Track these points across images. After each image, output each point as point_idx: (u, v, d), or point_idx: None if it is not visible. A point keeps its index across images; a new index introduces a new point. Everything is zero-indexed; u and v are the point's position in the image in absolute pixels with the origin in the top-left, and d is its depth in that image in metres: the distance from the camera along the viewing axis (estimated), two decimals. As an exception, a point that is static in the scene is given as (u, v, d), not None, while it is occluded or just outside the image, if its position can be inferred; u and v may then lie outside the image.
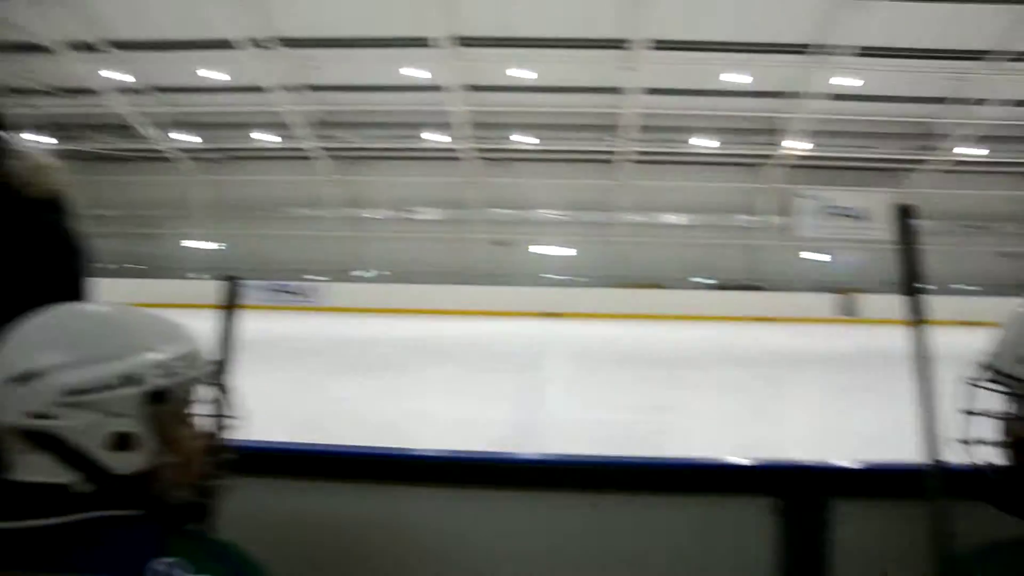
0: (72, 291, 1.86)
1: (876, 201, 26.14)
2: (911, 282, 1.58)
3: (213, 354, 1.27)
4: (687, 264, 28.28)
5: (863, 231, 26.58)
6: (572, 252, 29.43)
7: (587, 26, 21.72)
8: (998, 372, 1.32)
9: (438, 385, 11.55)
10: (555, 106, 25.86)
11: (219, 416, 1.24)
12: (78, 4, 22.02)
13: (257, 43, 22.93)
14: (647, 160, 27.32)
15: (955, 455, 1.46)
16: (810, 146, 26.12)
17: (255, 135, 28.03)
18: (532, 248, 29.60)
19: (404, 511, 1.88)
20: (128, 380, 1.04)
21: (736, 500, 1.86)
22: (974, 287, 26.15)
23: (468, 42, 22.50)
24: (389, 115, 26.85)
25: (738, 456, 1.97)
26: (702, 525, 1.85)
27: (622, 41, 21.93)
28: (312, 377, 12.09)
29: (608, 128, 26.20)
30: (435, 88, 24.57)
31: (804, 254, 28.65)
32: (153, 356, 1.07)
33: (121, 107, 26.23)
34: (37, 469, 1.00)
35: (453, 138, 27.01)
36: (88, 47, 23.57)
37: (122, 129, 27.53)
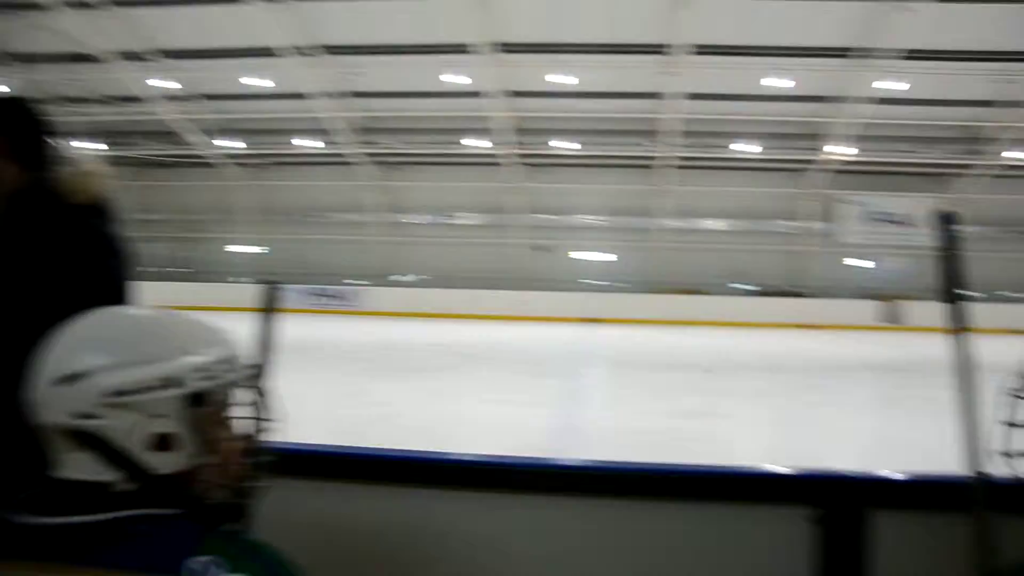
0: (116, 295, 1.90)
1: (921, 206, 25.70)
2: (952, 289, 1.56)
3: (252, 358, 1.29)
4: (728, 270, 28.01)
5: (907, 237, 26.17)
6: (612, 257, 29.33)
7: (628, 31, 21.65)
8: None
9: (476, 390, 11.57)
10: (596, 111, 25.80)
11: (257, 419, 1.26)
12: (128, 15, 22.48)
13: (301, 51, 23.22)
14: (688, 165, 27.15)
15: (999, 467, 1.43)
16: (854, 151, 25.74)
17: (298, 141, 28.38)
18: (572, 254, 29.54)
19: (440, 514, 1.88)
20: (169, 382, 1.06)
21: (773, 509, 1.84)
22: (1022, 295, 25.58)
23: (509, 48, 22.56)
24: (430, 121, 26.97)
25: (776, 464, 1.95)
26: (738, 534, 1.84)
27: (663, 46, 21.82)
28: (351, 380, 12.18)
29: (649, 133, 26.08)
30: (476, 94, 24.66)
31: (847, 260, 28.23)
32: (193, 359, 1.09)
33: (168, 114, 26.73)
34: (81, 467, 1.03)
35: (494, 143, 27.08)
36: (137, 56, 24.06)
37: (169, 135, 28.05)
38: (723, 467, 2.03)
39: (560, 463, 2.00)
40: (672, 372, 14.29)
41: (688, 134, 25.51)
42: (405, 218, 30.34)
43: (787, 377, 14.16)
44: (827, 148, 25.74)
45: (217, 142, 28.55)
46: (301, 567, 1.06)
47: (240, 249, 31.08)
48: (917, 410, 9.55)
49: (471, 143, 27.45)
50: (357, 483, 1.89)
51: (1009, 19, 20.13)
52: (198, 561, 0.95)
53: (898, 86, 22.83)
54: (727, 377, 13.91)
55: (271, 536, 1.12)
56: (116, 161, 28.48)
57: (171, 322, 1.15)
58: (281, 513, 1.37)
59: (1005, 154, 25.16)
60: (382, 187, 29.93)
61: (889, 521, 1.79)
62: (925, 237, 24.70)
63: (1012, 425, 1.34)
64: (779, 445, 7.84)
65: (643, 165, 27.68)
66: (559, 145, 27.18)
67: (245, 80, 25.23)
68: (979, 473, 1.51)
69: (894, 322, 24.48)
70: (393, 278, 29.33)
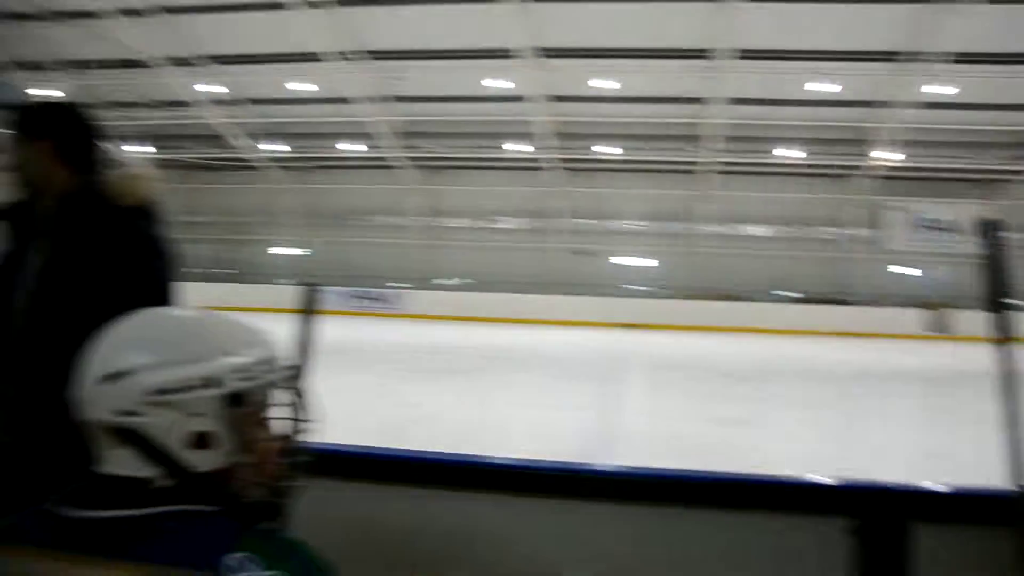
0: (161, 295, 1.95)
1: (969, 213, 25.22)
2: (997, 298, 1.53)
3: (291, 359, 1.31)
4: (770, 277, 27.70)
5: (955, 244, 25.70)
6: (653, 263, 29.18)
7: (670, 36, 21.54)
8: None
9: (515, 394, 11.58)
10: (638, 116, 25.69)
11: (294, 419, 1.28)
12: (177, 22, 22.91)
13: (345, 56, 23.46)
14: (731, 171, 26.95)
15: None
16: (900, 156, 25.34)
17: (341, 145, 28.67)
18: (613, 259, 29.44)
19: (471, 517, 1.89)
20: (208, 382, 1.08)
21: (810, 519, 1.81)
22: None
23: (551, 53, 22.57)
24: (472, 125, 27.08)
25: (816, 474, 1.92)
26: (773, 543, 1.81)
27: (706, 51, 21.68)
28: (391, 382, 12.24)
29: (691, 138, 25.93)
30: (518, 98, 24.71)
31: (892, 268, 27.75)
32: (233, 360, 1.11)
33: (215, 118, 27.20)
34: (123, 463, 1.05)
35: (535, 148, 27.12)
36: (185, 62, 24.51)
37: (215, 139, 28.54)
38: (759, 475, 2.01)
39: (594, 468, 2.00)
40: (711, 379, 14.17)
41: (731, 139, 25.33)
42: (446, 222, 30.50)
43: (829, 386, 13.96)
44: (873, 153, 25.38)
45: (262, 146, 28.98)
46: (335, 565, 1.08)
47: (283, 251, 31.46)
48: (962, 421, 9.36)
49: (513, 147, 27.51)
50: (391, 484, 1.91)
51: (1062, 21, 19.69)
52: (234, 558, 0.96)
53: (946, 90, 22.42)
54: (768, 385, 13.76)
55: (306, 535, 1.13)
56: (164, 164, 29.09)
57: (212, 323, 1.17)
58: (316, 512, 1.39)
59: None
60: (424, 191, 30.13)
61: (930, 534, 1.75)
62: (973, 245, 24.23)
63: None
64: (818, 454, 7.73)
65: (685, 170, 27.52)
66: (601, 150, 27.12)
67: (290, 85, 25.55)
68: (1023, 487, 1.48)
69: (940, 331, 23.99)
70: (435, 281, 29.45)
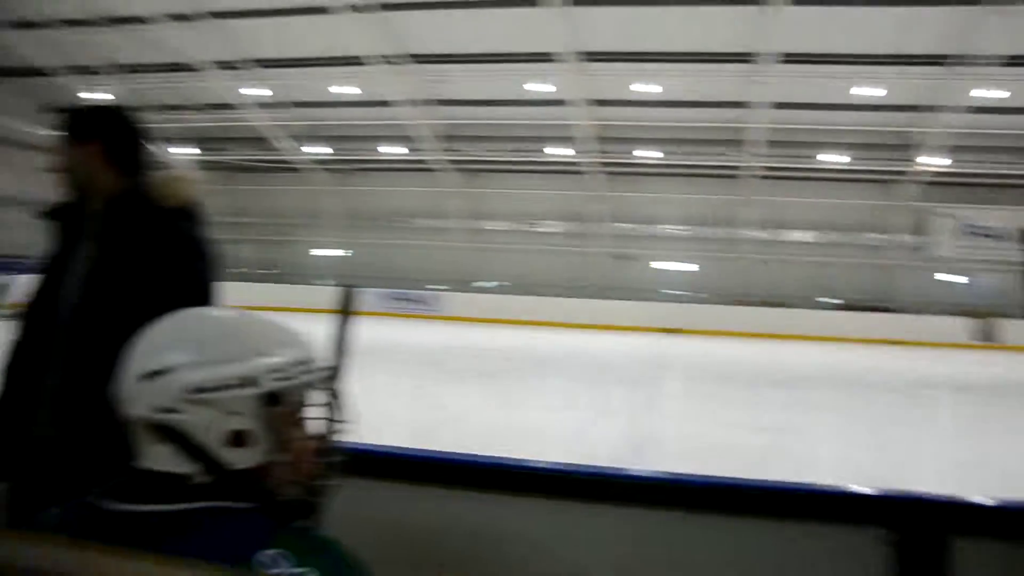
0: (201, 295, 1.99)
1: (1018, 221, 24.69)
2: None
3: (328, 360, 1.33)
4: (813, 283, 27.35)
5: (1003, 252, 25.16)
6: (694, 268, 28.99)
7: (713, 40, 21.37)
8: None
9: (553, 397, 11.57)
10: (680, 120, 25.54)
11: (330, 420, 1.29)
12: (224, 26, 23.24)
13: (387, 59, 23.64)
14: (773, 176, 26.66)
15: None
16: (948, 162, 24.88)
17: (382, 147, 28.90)
18: (653, 264, 29.30)
19: (504, 520, 1.89)
20: (246, 382, 1.10)
21: (848, 530, 1.78)
22: None
23: (593, 57, 22.53)
24: (513, 128, 27.13)
25: (854, 483, 1.90)
26: (809, 554, 1.79)
27: (749, 55, 21.47)
28: (427, 384, 12.30)
29: (734, 143, 25.71)
30: (559, 102, 24.71)
31: (939, 275, 27.25)
32: (270, 360, 1.13)
33: (259, 120, 27.59)
34: (162, 459, 1.08)
35: (576, 151, 27.09)
36: (231, 65, 24.89)
37: (259, 141, 28.94)
38: (796, 483, 1.99)
39: (624, 473, 2.00)
40: (750, 385, 14.05)
41: (774, 144, 25.07)
42: (486, 225, 30.58)
43: (872, 394, 13.76)
44: (920, 159, 24.94)
45: (305, 148, 29.32)
46: (366, 563, 1.09)
47: (324, 253, 31.77)
48: (1009, 432, 9.17)
49: (553, 151, 27.51)
50: (423, 485, 1.92)
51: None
52: (267, 554, 0.99)
53: (996, 94, 21.95)
54: (809, 392, 13.60)
55: (339, 533, 1.15)
56: (208, 166, 29.67)
57: (251, 324, 1.19)
58: (349, 511, 1.40)
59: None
60: (464, 194, 30.24)
61: (971, 549, 1.71)
62: (1021, 252, 23.77)
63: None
64: (858, 464, 7.62)
65: (727, 175, 27.30)
66: (642, 154, 27.01)
67: (333, 88, 25.81)
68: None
69: (988, 340, 23.51)
70: (474, 284, 29.53)
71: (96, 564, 0.60)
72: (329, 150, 29.44)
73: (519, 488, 1.91)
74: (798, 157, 25.77)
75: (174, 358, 1.10)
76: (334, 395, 1.31)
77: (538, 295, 27.06)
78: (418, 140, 27.60)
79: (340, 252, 31.53)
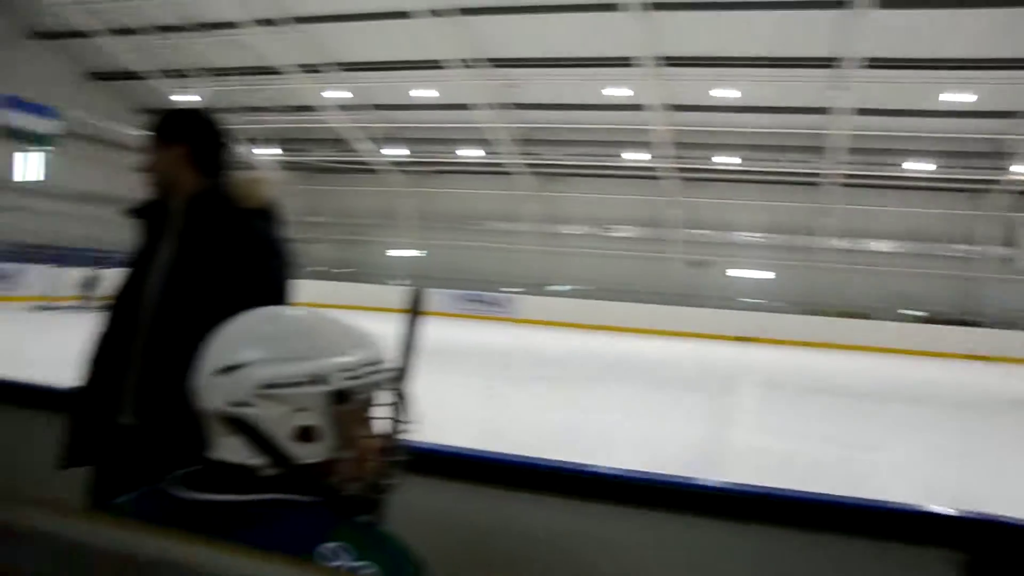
0: (276, 293, 2.05)
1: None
2: None
3: (396, 360, 1.36)
4: (894, 294, 26.58)
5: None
6: (770, 276, 28.49)
7: (796, 44, 20.96)
8: None
9: (623, 402, 11.48)
10: (759, 126, 25.16)
11: (395, 420, 1.33)
12: (308, 30, 23.77)
13: (466, 63, 23.85)
14: (855, 183, 26.04)
15: None
16: (1043, 171, 23.93)
17: (460, 150, 29.16)
18: (729, 271, 28.89)
19: (570, 525, 1.89)
20: (316, 379, 1.14)
21: (919, 551, 1.73)
22: None
23: (671, 62, 22.34)
24: (589, 133, 27.11)
25: (929, 502, 1.85)
26: (878, 572, 1.75)
27: (832, 59, 20.99)
28: (499, 385, 12.34)
29: (815, 149, 25.20)
30: (636, 107, 24.57)
31: (1031, 289, 26.21)
32: (340, 360, 1.16)
33: (339, 122, 28.12)
34: (233, 451, 1.12)
35: (653, 156, 26.89)
36: (314, 69, 25.44)
37: (339, 142, 29.52)
38: (867, 499, 1.93)
39: (693, 482, 1.97)
40: (827, 397, 13.75)
41: (855, 151, 24.48)
42: (561, 229, 30.58)
43: (954, 410, 13.34)
44: (1012, 167, 24.01)
45: (383, 150, 29.76)
46: (424, 560, 1.12)
47: (400, 253, 32.18)
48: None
49: (630, 156, 27.36)
50: (484, 485, 1.93)
51: None
52: (329, 547, 1.02)
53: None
54: (888, 406, 13.24)
55: (400, 529, 1.18)
56: (290, 166, 30.39)
57: (322, 324, 1.23)
58: (410, 508, 1.43)
59: None
60: (540, 197, 30.30)
61: None
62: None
63: None
64: (935, 482, 7.39)
65: (807, 182, 26.77)
66: (720, 160, 26.67)
67: (413, 91, 26.15)
68: None
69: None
70: (548, 288, 29.55)
71: (166, 549, 0.63)
72: (407, 152, 29.85)
73: (587, 493, 1.91)
74: (881, 165, 25.12)
75: (248, 354, 1.14)
76: (400, 395, 1.34)
77: (611, 300, 26.94)
78: (495, 143, 27.77)
79: (415, 253, 31.90)
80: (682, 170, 27.60)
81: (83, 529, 0.65)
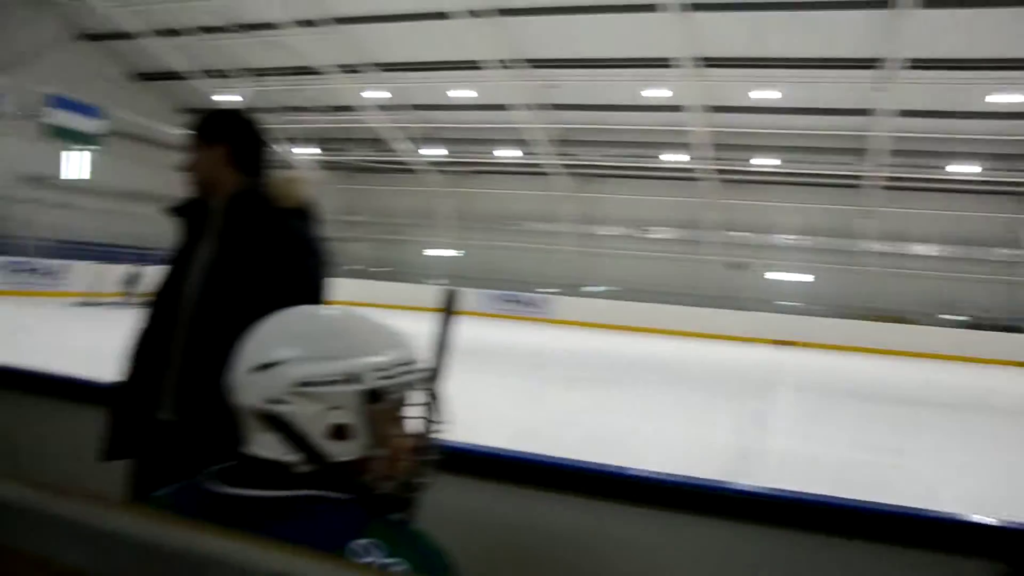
0: (312, 291, 2.08)
1: None
2: None
3: (429, 360, 1.37)
4: (936, 298, 26.16)
5: None
6: (809, 279, 28.17)
7: (837, 45, 20.70)
8: None
9: (659, 405, 11.43)
10: (800, 127, 24.90)
11: (428, 419, 1.34)
12: (347, 31, 23.97)
13: (504, 63, 23.88)
14: (897, 186, 25.67)
15: None
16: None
17: (497, 150, 29.22)
18: (768, 274, 28.61)
19: (604, 527, 1.89)
20: (350, 378, 1.15)
21: (959, 560, 1.70)
22: None
23: (711, 63, 22.19)
24: (627, 134, 27.02)
25: (970, 511, 1.81)
26: None
27: (875, 60, 20.70)
28: (535, 385, 12.34)
29: (855, 151, 24.90)
30: (675, 108, 24.45)
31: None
32: (374, 359, 1.18)
33: (378, 122, 28.32)
34: (268, 447, 1.14)
35: (691, 158, 26.74)
36: (353, 69, 25.64)
37: (377, 142, 29.73)
38: (905, 508, 1.90)
39: (729, 487, 1.96)
40: (867, 403, 13.56)
41: (898, 153, 24.12)
42: (598, 230, 30.52)
43: (999, 418, 13.08)
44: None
45: (421, 150, 29.92)
46: (455, 558, 1.13)
47: (437, 253, 32.32)
48: None
49: (669, 158, 27.23)
50: (516, 485, 1.94)
51: None
52: (360, 543, 1.03)
53: None
54: (929, 413, 13.03)
55: (431, 527, 1.19)
56: (328, 166, 30.68)
57: (357, 323, 1.24)
58: (442, 507, 1.44)
59: None
60: (577, 198, 30.27)
61: None
62: None
63: None
64: (977, 492, 7.26)
65: (848, 184, 26.45)
66: (759, 161, 26.44)
67: (451, 92, 26.26)
68: None
69: None
70: (585, 289, 29.50)
71: (200, 542, 0.64)
72: (445, 152, 29.98)
73: (612, 494, 1.91)
74: (924, 167, 24.71)
75: (284, 352, 1.15)
76: (433, 395, 1.35)
77: (648, 302, 26.83)
78: (533, 144, 27.79)
79: (452, 253, 32.03)
80: (721, 171, 27.42)
81: (122, 521, 0.66)
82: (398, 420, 1.26)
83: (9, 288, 19.53)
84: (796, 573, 1.80)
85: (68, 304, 19.03)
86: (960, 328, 25.18)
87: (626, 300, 27.64)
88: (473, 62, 23.92)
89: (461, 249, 31.92)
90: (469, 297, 25.83)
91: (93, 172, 23.96)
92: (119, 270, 19.90)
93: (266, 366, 1.15)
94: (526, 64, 24.16)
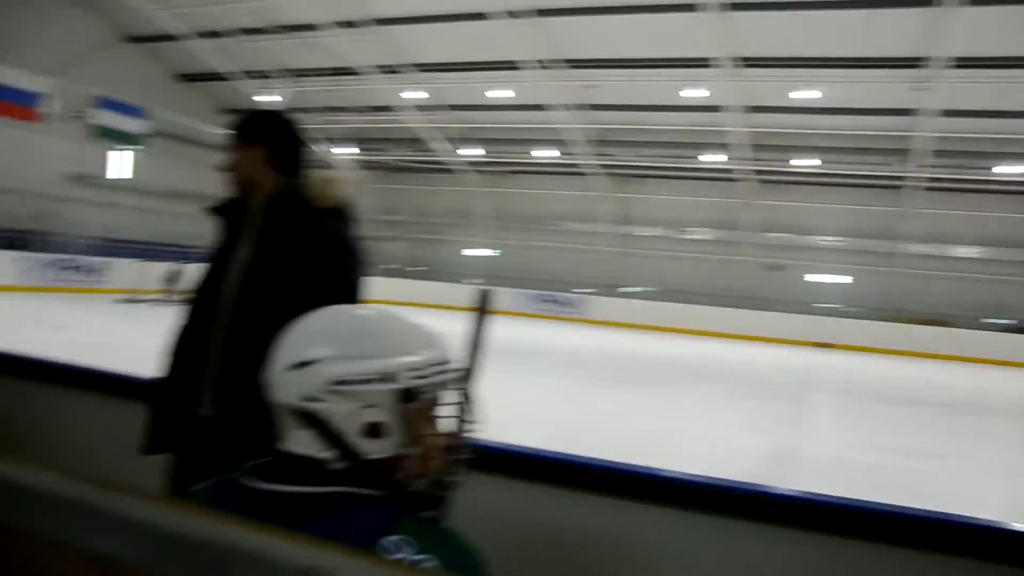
0: (348, 290, 2.10)
1: None
2: None
3: (462, 360, 1.38)
4: (979, 302, 25.64)
5: None
6: (848, 280, 27.81)
7: (879, 44, 20.39)
8: None
9: (694, 406, 11.36)
10: (840, 128, 24.59)
11: (461, 419, 1.35)
12: (386, 32, 24.12)
13: (542, 64, 23.88)
14: (940, 187, 25.23)
15: None
16: None
17: (535, 151, 29.22)
18: (807, 276, 28.29)
19: (635, 527, 1.88)
20: (385, 377, 1.17)
21: (1003, 570, 1.67)
22: None
23: (750, 62, 21.99)
24: (665, 134, 26.88)
25: (1013, 520, 1.78)
26: None
27: (918, 59, 20.33)
28: (571, 386, 12.33)
29: (898, 152, 24.51)
30: (714, 108, 24.27)
31: None
32: (409, 359, 1.20)
33: (416, 123, 28.46)
34: (303, 443, 1.16)
35: (730, 158, 26.53)
36: (392, 70, 25.80)
37: (415, 142, 29.89)
38: (947, 515, 1.87)
39: (765, 490, 1.94)
40: (907, 407, 13.37)
41: (941, 153, 23.69)
42: (636, 230, 30.40)
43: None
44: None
45: (459, 150, 30.01)
46: (486, 556, 1.14)
47: (475, 252, 32.41)
48: None
49: (707, 158, 27.04)
50: (549, 485, 1.94)
51: None
52: (391, 540, 1.05)
53: None
54: (971, 418, 12.81)
55: (463, 526, 1.20)
56: (367, 165, 30.89)
57: (392, 323, 1.26)
58: (474, 505, 1.45)
59: None
60: (615, 198, 30.19)
61: None
62: None
63: None
64: (1020, 499, 7.11)
65: (889, 185, 26.06)
66: (799, 162, 26.14)
67: (489, 92, 26.31)
68: None
69: None
70: (622, 289, 29.41)
71: (235, 536, 0.66)
72: (482, 152, 30.05)
73: (644, 495, 1.90)
74: (969, 168, 24.24)
75: (321, 351, 1.17)
76: (466, 395, 1.36)
77: (685, 303, 26.69)
78: (570, 144, 27.76)
79: (490, 252, 32.10)
80: (759, 172, 27.17)
81: (161, 514, 0.68)
82: (431, 419, 1.27)
83: (56, 285, 19.94)
84: None
85: (112, 301, 19.37)
86: (1004, 332, 24.67)
87: (663, 301, 27.52)
88: (511, 62, 23.95)
89: (498, 249, 31.99)
90: (506, 297, 26.15)
91: (136, 171, 24.40)
92: (161, 268, 20.21)
93: (302, 364, 1.17)
94: (564, 64, 24.13)
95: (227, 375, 2.07)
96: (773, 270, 28.43)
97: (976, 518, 1.82)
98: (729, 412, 11.01)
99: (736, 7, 20.04)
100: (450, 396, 1.31)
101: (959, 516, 1.83)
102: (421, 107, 27.95)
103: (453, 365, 1.28)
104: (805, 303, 27.05)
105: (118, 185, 24.96)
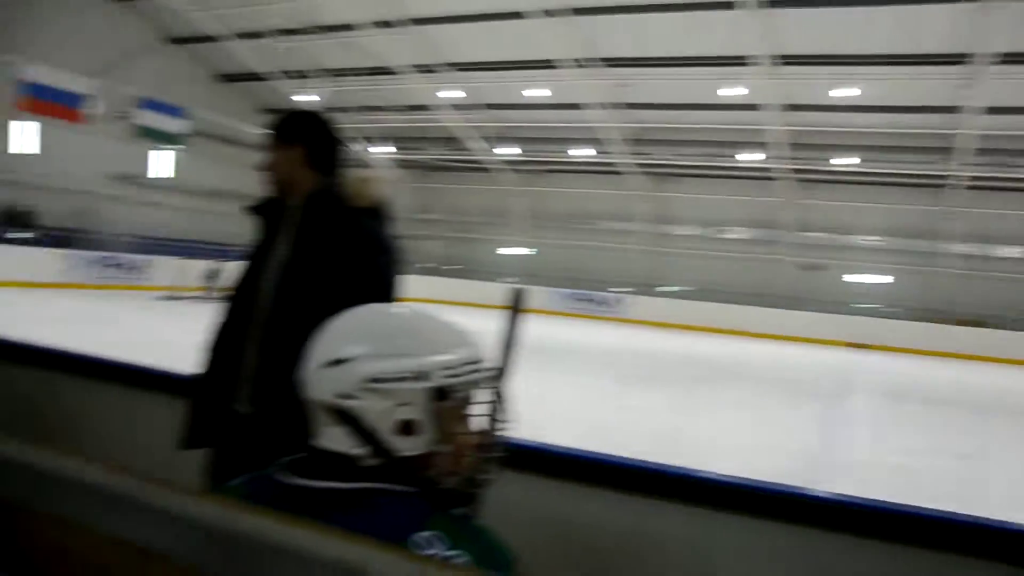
0: (384, 288, 2.13)
1: None
2: None
3: (495, 359, 1.39)
4: (1022, 303, 25.12)
5: None
6: (888, 280, 27.40)
7: (921, 41, 20.04)
8: None
9: (730, 407, 11.28)
10: (880, 126, 24.24)
11: (493, 417, 1.36)
12: (423, 31, 24.22)
13: (579, 62, 23.83)
14: (982, 186, 24.76)
15: None
16: None
17: (571, 149, 29.17)
18: (846, 276, 27.91)
19: (667, 527, 1.88)
20: (419, 376, 1.19)
21: None
22: None
23: (789, 60, 21.74)
24: (702, 133, 26.69)
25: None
26: None
27: (961, 56, 19.95)
28: (606, 384, 12.31)
29: (940, 150, 24.09)
30: (752, 107, 24.04)
31: None
32: (442, 358, 1.21)
33: (453, 122, 28.55)
34: (337, 440, 1.18)
35: (767, 157, 26.27)
36: (428, 69, 25.91)
37: (452, 141, 29.97)
38: (980, 518, 1.84)
39: (798, 491, 1.93)
40: (947, 409, 13.16)
41: (984, 151, 23.25)
42: (672, 229, 30.24)
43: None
44: None
45: (496, 149, 30.05)
46: (517, 553, 1.14)
47: (510, 251, 32.44)
48: None
49: (745, 157, 26.80)
50: (582, 484, 1.94)
51: None
52: (423, 536, 1.06)
53: None
54: (1018, 421, 12.58)
55: (494, 523, 1.21)
56: (404, 164, 31.04)
57: (426, 322, 1.28)
58: (505, 503, 1.46)
59: None
60: (651, 197, 30.04)
61: None
62: None
63: None
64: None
65: (931, 184, 25.63)
66: (838, 161, 25.81)
67: (525, 91, 26.30)
68: None
69: None
70: (658, 288, 29.26)
71: (270, 530, 0.68)
72: (519, 151, 30.06)
73: (677, 495, 1.90)
74: (1012, 166, 23.75)
75: (356, 349, 1.19)
76: (498, 394, 1.37)
77: (722, 302, 26.48)
78: (607, 143, 27.68)
79: (526, 251, 32.11)
80: (798, 171, 26.87)
81: (199, 508, 0.70)
82: (464, 417, 1.28)
83: (98, 282, 20.29)
84: None
85: (152, 298, 19.67)
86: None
87: (700, 300, 27.33)
88: (547, 61, 23.93)
89: (534, 248, 31.99)
90: (541, 296, 26.13)
91: (177, 171, 24.71)
92: (200, 266, 20.47)
93: (338, 362, 1.19)
94: (601, 63, 24.06)
95: (264, 372, 2.10)
96: (811, 270, 28.11)
97: (1005, 521, 1.79)
98: (765, 412, 10.94)
99: (774, 4, 19.84)
100: (483, 395, 1.32)
101: (988, 519, 1.80)
102: (457, 106, 28.03)
103: (486, 364, 1.29)
104: (843, 303, 26.71)
105: (159, 184, 25.32)
